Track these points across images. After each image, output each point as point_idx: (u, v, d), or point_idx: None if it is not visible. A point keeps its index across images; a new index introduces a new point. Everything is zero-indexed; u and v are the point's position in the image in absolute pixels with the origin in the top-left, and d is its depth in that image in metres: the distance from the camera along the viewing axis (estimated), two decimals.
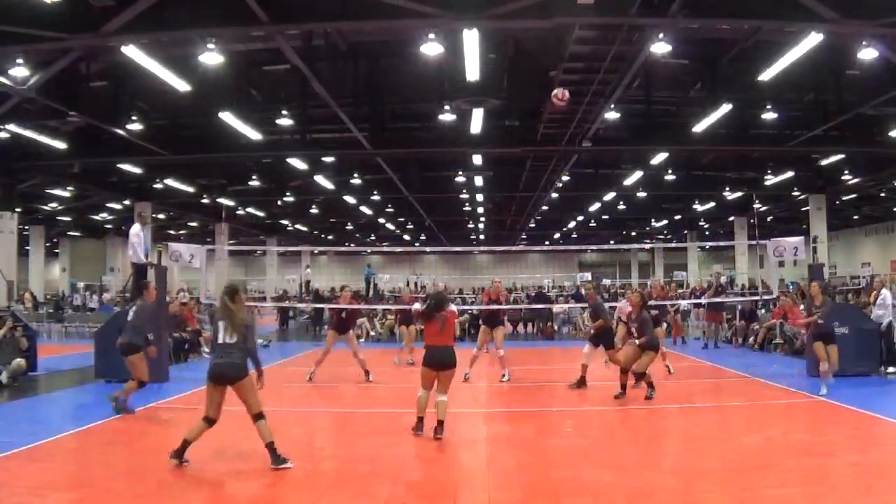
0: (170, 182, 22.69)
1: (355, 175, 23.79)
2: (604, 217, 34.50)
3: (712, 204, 29.72)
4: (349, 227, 39.75)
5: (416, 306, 7.75)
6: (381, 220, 35.48)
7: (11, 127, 15.52)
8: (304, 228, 39.08)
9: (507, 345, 17.14)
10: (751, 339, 15.40)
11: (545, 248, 46.40)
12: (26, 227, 29.24)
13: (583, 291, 15.11)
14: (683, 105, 16.72)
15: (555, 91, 10.84)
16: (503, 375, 10.44)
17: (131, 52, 10.55)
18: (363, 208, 30.42)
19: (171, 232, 38.18)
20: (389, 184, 23.18)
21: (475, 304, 19.72)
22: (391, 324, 18.97)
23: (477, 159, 19.66)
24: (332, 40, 12.58)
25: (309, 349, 15.37)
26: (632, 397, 9.09)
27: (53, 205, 27.95)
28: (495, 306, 11.09)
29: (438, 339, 6.92)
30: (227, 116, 14.34)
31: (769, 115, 15.50)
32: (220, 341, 5.76)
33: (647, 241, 45.14)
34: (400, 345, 14.06)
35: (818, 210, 24.24)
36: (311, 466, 6.17)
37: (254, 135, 15.62)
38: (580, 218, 34.94)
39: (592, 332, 10.34)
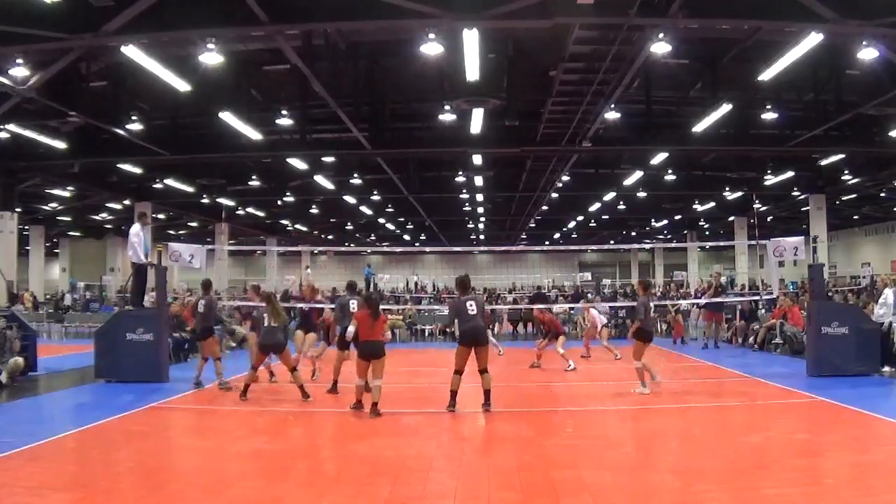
0: (170, 182, 22.67)
1: (355, 175, 23.76)
2: (604, 217, 34.46)
3: (712, 204, 29.67)
4: (349, 227, 39.72)
5: (351, 329, 8.33)
6: (381, 220, 35.42)
7: (11, 127, 15.48)
8: (304, 228, 39.05)
9: (507, 345, 17.21)
10: (751, 339, 15.40)
11: (545, 248, 46.37)
12: (26, 227, 29.19)
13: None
14: (683, 105, 16.69)
15: None
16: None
17: (131, 52, 10.54)
18: (363, 208, 30.38)
19: (171, 232, 38.12)
20: (389, 184, 23.15)
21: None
22: (391, 323, 19.01)
23: (477, 159, 19.63)
24: (332, 40, 12.57)
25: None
26: (632, 398, 9.09)
27: (53, 205, 27.92)
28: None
29: (369, 335, 7.99)
30: (227, 116, 14.34)
31: (769, 115, 15.49)
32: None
33: (647, 241, 45.11)
34: (397, 345, 14.06)
35: (818, 210, 24.20)
36: (311, 466, 6.18)
37: (254, 135, 15.62)
38: (580, 218, 34.89)
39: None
